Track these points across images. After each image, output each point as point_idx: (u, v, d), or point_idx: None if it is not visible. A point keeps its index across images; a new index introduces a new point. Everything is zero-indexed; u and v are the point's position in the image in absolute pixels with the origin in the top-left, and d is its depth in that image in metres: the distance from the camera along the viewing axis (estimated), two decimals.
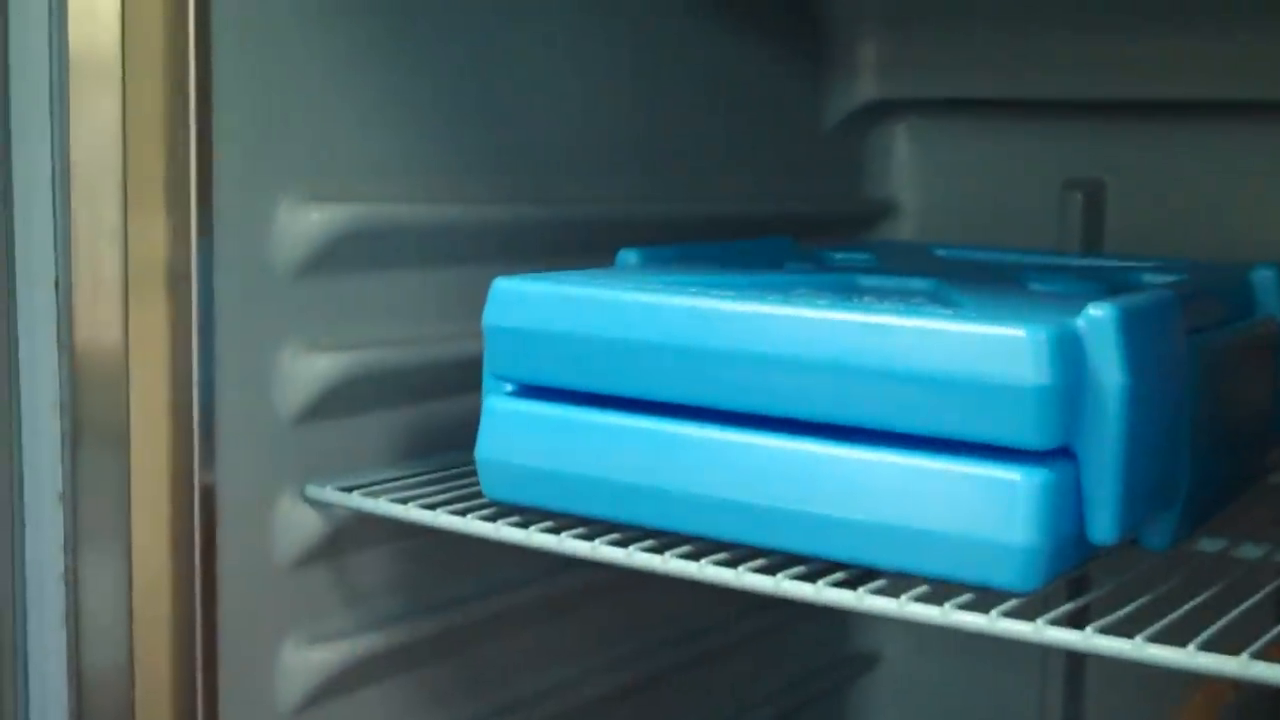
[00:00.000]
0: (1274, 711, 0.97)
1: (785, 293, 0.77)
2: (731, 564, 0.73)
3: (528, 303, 0.78)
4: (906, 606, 0.68)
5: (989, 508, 0.66)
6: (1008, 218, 1.25)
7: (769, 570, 0.72)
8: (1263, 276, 0.88)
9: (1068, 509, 0.67)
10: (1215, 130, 1.17)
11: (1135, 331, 0.68)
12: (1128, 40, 1.16)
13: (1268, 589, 0.71)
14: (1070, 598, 0.70)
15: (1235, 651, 0.61)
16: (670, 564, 0.74)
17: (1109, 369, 0.67)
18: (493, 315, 0.79)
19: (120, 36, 0.76)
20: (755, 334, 0.72)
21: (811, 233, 1.16)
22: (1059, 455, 0.67)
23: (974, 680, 1.33)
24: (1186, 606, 0.67)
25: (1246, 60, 1.11)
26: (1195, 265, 0.93)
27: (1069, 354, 0.66)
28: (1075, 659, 1.26)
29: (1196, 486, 0.75)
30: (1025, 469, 0.66)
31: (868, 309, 0.71)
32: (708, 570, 0.73)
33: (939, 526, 0.67)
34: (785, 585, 0.71)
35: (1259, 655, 0.61)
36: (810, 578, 0.71)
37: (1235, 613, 0.66)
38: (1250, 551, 0.77)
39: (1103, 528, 0.68)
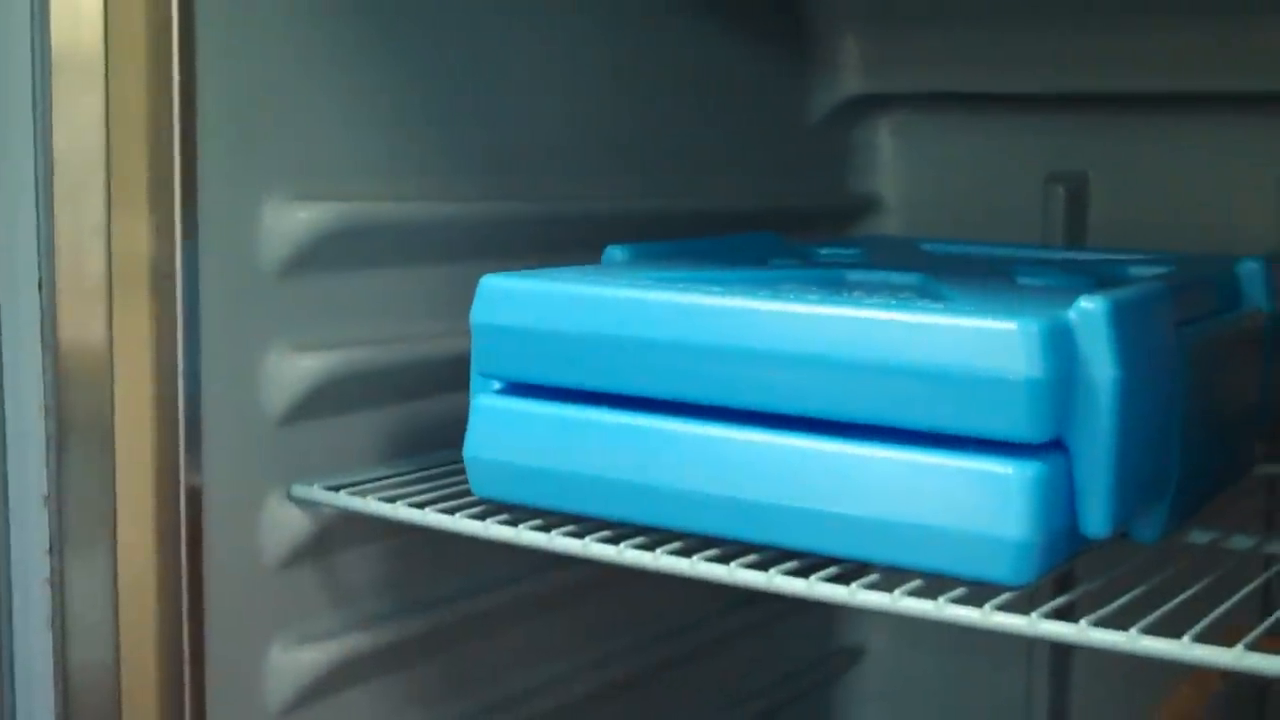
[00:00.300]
0: (1261, 699, 0.98)
1: (773, 288, 0.77)
2: (723, 560, 0.72)
3: (515, 300, 0.78)
4: (900, 601, 0.67)
5: (981, 502, 0.66)
6: (991, 212, 1.25)
7: (760, 566, 0.72)
8: (1249, 269, 0.88)
9: (1060, 502, 0.67)
10: (1197, 123, 1.17)
11: (1126, 324, 0.68)
12: (1110, 34, 1.16)
13: (1258, 580, 0.71)
14: (1058, 591, 0.70)
15: (1229, 642, 0.61)
16: (662, 561, 0.73)
17: (1101, 362, 0.67)
18: (480, 313, 0.79)
19: (103, 35, 0.76)
20: (744, 329, 0.72)
21: (797, 228, 1.16)
22: (1051, 448, 0.67)
23: (960, 674, 1.34)
24: (1179, 599, 0.67)
25: (1227, 53, 1.12)
26: (1182, 258, 0.93)
27: (1060, 347, 0.66)
28: (1061, 652, 1.26)
29: (1186, 478, 0.75)
30: (1017, 462, 0.66)
31: (856, 303, 0.70)
32: (700, 567, 0.72)
33: (931, 521, 0.67)
34: (778, 581, 0.70)
35: (1252, 646, 0.61)
36: (802, 573, 0.71)
37: (1228, 604, 0.66)
38: (1240, 543, 0.78)
39: (1095, 521, 0.68)
